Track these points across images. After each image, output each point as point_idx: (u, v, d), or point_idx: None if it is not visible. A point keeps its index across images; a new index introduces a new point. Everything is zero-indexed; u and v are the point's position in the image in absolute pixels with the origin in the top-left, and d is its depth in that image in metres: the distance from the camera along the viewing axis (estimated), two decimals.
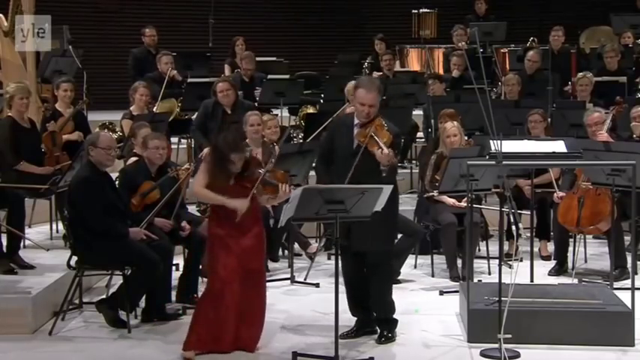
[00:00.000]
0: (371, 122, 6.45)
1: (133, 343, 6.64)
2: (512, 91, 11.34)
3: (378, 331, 6.70)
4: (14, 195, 8.02)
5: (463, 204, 8.15)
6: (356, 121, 6.55)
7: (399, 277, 8.21)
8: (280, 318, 7.23)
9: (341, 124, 6.80)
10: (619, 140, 8.73)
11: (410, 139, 11.71)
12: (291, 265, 8.39)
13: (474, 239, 8.18)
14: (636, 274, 7.15)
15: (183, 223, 7.53)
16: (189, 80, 11.91)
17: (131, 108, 10.20)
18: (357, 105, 6.52)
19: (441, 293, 7.85)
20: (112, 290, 7.28)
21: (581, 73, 11.28)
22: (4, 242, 7.75)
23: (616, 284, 7.56)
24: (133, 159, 7.99)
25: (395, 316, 6.75)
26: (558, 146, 7.40)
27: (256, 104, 11.02)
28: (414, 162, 11.58)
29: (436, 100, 11.00)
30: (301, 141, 10.47)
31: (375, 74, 13.52)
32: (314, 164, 7.76)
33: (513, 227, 8.82)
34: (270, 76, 12.33)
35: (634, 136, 9.03)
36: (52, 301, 7.15)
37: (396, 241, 7.53)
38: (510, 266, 7.81)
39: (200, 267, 7.53)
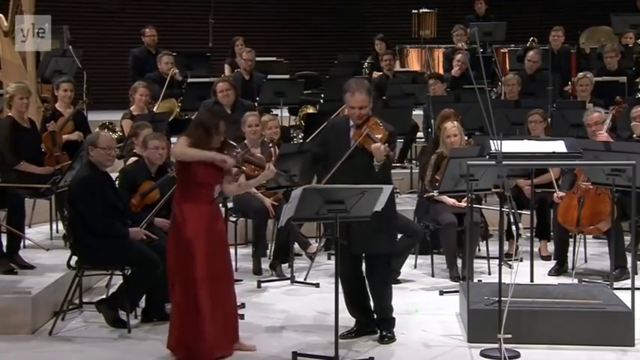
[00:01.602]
0: (365, 122, 6.47)
1: (133, 343, 6.64)
2: (512, 91, 11.35)
3: (378, 331, 6.69)
4: (14, 195, 8.02)
5: (463, 204, 8.15)
6: (352, 123, 6.55)
7: (399, 277, 8.21)
8: (280, 318, 7.23)
9: (336, 126, 6.77)
10: (619, 140, 8.73)
11: (410, 139, 11.71)
12: (291, 265, 8.39)
13: (474, 239, 8.18)
14: (636, 274, 7.14)
15: None
16: (189, 80, 11.92)
17: (131, 108, 10.20)
18: (348, 108, 6.54)
19: (441, 293, 7.85)
20: (112, 290, 7.27)
21: (581, 73, 11.29)
22: (4, 242, 7.75)
23: (616, 284, 7.55)
24: (133, 159, 8.00)
25: (395, 315, 6.75)
26: (558, 146, 7.40)
27: (256, 104, 11.03)
28: (414, 162, 11.58)
29: (436, 100, 11.00)
30: (301, 141, 10.47)
31: (375, 74, 13.54)
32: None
33: (513, 227, 8.82)
34: (270, 76, 12.33)
35: (634, 136, 9.03)
36: (52, 301, 7.15)
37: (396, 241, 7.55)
38: (510, 266, 7.81)
39: None
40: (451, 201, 8.38)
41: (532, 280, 7.83)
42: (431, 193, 8.33)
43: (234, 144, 6.45)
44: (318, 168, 6.80)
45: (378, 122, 6.48)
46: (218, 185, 6.34)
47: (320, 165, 6.78)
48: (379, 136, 6.37)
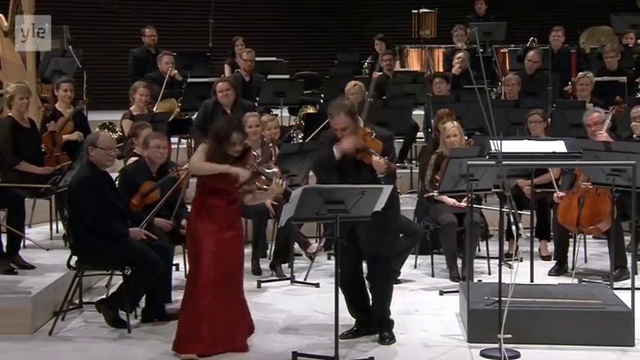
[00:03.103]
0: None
1: (133, 343, 6.64)
2: (512, 91, 11.35)
3: (378, 332, 6.69)
4: (14, 195, 8.02)
5: (463, 204, 8.15)
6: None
7: (399, 277, 8.21)
8: (280, 318, 7.23)
9: (330, 140, 6.66)
10: (619, 140, 8.73)
11: (410, 139, 11.71)
12: (291, 265, 8.39)
13: (474, 239, 8.18)
14: (636, 274, 7.15)
15: (184, 222, 7.51)
16: (189, 80, 11.91)
17: (131, 108, 10.19)
18: (334, 130, 6.53)
19: (441, 293, 7.85)
20: (112, 290, 7.27)
21: (581, 73, 11.29)
22: (4, 242, 7.75)
23: (616, 284, 7.55)
24: (133, 159, 8.00)
25: (395, 316, 6.76)
26: (558, 146, 7.40)
27: (256, 105, 11.03)
28: (414, 162, 11.58)
29: (436, 100, 11.00)
30: (301, 141, 10.47)
31: (375, 74, 13.53)
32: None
33: (513, 227, 8.82)
34: (270, 76, 12.33)
35: (634, 136, 9.03)
36: (52, 301, 7.15)
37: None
38: (510, 266, 7.81)
39: None
40: (451, 201, 8.38)
41: (532, 280, 7.83)
42: (431, 193, 8.33)
43: (257, 156, 6.50)
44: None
45: (370, 133, 6.48)
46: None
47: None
48: (375, 149, 6.40)
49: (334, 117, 6.48)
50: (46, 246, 8.08)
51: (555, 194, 8.55)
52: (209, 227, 6.27)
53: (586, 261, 8.91)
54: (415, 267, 8.77)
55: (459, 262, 8.29)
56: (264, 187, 6.44)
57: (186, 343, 6.27)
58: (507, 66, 14.07)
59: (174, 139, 11.11)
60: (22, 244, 8.01)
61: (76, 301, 7.29)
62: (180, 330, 6.33)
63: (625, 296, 6.79)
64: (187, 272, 6.57)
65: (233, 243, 6.38)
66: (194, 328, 6.25)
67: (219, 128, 6.32)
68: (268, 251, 8.86)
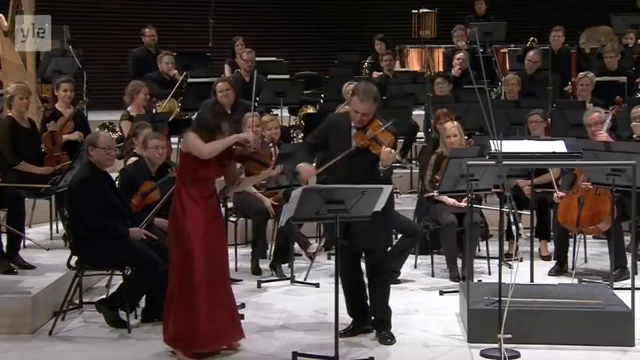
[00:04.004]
0: (368, 125, 6.47)
1: (133, 343, 6.64)
2: (512, 91, 11.36)
3: (375, 331, 6.69)
4: (14, 195, 8.02)
5: (463, 204, 8.15)
6: (353, 123, 6.56)
7: (399, 277, 8.22)
8: (280, 318, 7.23)
9: (337, 122, 6.75)
10: (619, 140, 8.73)
11: (410, 139, 11.71)
12: (291, 265, 8.39)
13: (474, 239, 8.18)
14: (636, 274, 7.15)
15: None
16: (190, 80, 11.91)
17: (128, 109, 10.13)
18: (352, 112, 6.55)
19: (441, 293, 7.85)
20: (112, 290, 7.27)
21: (582, 73, 11.31)
22: (4, 242, 7.74)
23: (616, 284, 7.55)
24: (133, 159, 8.00)
25: (395, 316, 6.76)
26: (558, 146, 7.40)
27: (256, 105, 11.02)
28: (414, 162, 11.58)
29: (436, 100, 11.00)
30: (301, 141, 10.46)
31: (375, 74, 13.54)
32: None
33: (513, 227, 8.81)
34: (270, 76, 12.33)
35: (634, 136, 9.03)
36: (52, 301, 7.15)
37: (395, 241, 7.55)
38: (510, 266, 7.81)
39: None
40: (451, 201, 8.38)
41: (532, 280, 7.83)
42: (431, 193, 8.33)
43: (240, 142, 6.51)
44: (314, 157, 6.80)
45: (381, 125, 6.48)
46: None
47: (317, 155, 6.81)
48: (387, 141, 6.40)
49: (364, 101, 6.43)
50: (46, 246, 8.08)
51: (555, 194, 8.55)
52: (197, 220, 6.22)
53: (586, 261, 8.91)
54: (415, 267, 8.77)
55: (459, 262, 8.29)
56: (257, 172, 6.46)
57: (185, 342, 6.25)
58: (507, 66, 14.09)
59: (174, 139, 11.09)
60: (22, 244, 8.01)
61: (76, 301, 7.29)
62: (179, 330, 6.27)
63: (625, 296, 6.79)
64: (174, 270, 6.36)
65: (219, 237, 6.38)
66: (193, 326, 6.21)
67: (208, 119, 6.34)
68: (268, 251, 8.86)
